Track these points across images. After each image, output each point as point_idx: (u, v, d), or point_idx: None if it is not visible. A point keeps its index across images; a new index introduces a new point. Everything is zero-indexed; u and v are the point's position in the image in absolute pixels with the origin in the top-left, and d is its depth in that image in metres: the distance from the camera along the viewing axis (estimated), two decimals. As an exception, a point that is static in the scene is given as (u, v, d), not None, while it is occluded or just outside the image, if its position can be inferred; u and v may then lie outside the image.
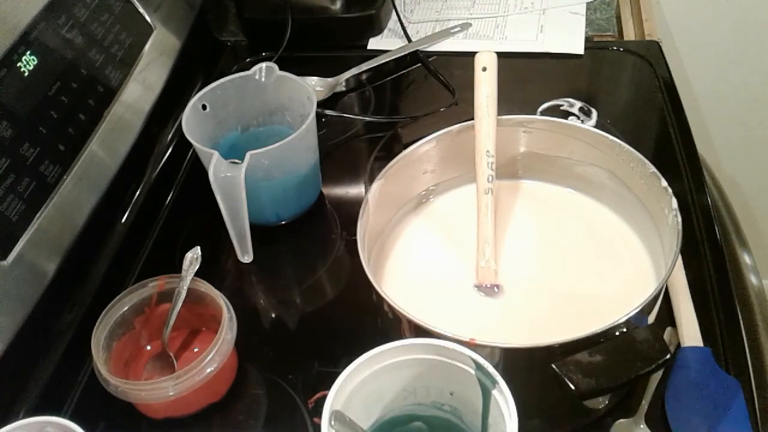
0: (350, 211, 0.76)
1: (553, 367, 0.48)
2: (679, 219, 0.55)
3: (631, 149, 0.61)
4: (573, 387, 0.47)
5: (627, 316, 0.49)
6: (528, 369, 0.51)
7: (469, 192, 0.66)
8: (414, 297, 0.59)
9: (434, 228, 0.68)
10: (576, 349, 0.48)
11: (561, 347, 0.48)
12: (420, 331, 0.51)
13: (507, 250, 0.64)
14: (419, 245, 0.66)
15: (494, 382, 0.46)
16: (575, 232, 0.65)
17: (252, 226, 0.68)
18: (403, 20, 0.99)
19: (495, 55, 0.64)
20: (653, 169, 0.59)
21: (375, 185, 0.62)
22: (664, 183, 0.58)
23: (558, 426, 0.58)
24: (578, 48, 0.93)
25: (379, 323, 0.59)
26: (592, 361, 0.47)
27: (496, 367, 0.46)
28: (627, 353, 0.48)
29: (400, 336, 0.51)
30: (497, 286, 0.61)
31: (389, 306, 0.53)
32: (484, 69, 0.64)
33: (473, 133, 0.63)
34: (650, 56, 0.91)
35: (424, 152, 0.66)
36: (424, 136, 0.65)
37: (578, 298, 0.60)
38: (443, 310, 0.59)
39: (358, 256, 0.56)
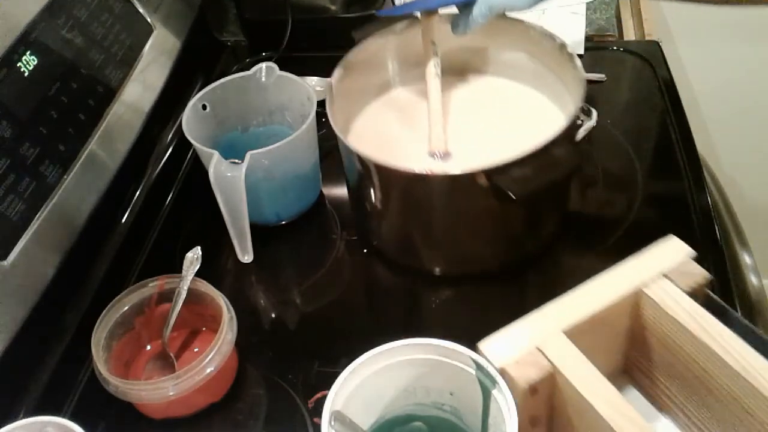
0: (350, 211, 0.76)
1: (495, 182, 0.59)
2: (580, 66, 0.65)
3: (542, 27, 0.71)
4: (513, 196, 0.57)
5: (546, 142, 0.59)
6: (477, 193, 0.61)
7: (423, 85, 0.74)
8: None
9: (393, 112, 0.76)
10: (512, 168, 0.58)
11: (501, 168, 0.58)
12: (383, 172, 0.61)
13: (454, 128, 0.73)
14: (381, 124, 0.75)
15: (494, 382, 0.47)
16: (506, 108, 0.75)
17: (252, 226, 0.68)
18: (403, 20, 1.00)
19: None
20: (561, 41, 0.69)
21: (336, 73, 0.71)
22: (569, 50, 0.67)
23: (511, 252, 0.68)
24: (578, 48, 0.93)
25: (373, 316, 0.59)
26: (524, 173, 0.58)
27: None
28: (549, 165, 0.60)
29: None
30: (447, 154, 0.70)
31: (358, 158, 0.63)
32: None
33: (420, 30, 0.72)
34: (650, 56, 0.91)
35: (380, 47, 0.75)
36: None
37: (512, 151, 0.63)
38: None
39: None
